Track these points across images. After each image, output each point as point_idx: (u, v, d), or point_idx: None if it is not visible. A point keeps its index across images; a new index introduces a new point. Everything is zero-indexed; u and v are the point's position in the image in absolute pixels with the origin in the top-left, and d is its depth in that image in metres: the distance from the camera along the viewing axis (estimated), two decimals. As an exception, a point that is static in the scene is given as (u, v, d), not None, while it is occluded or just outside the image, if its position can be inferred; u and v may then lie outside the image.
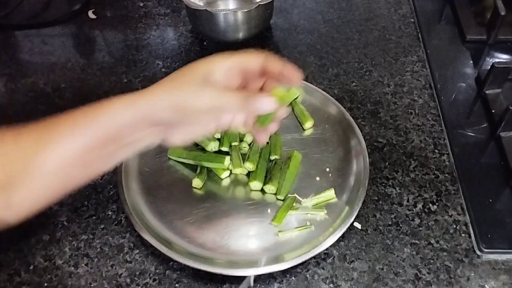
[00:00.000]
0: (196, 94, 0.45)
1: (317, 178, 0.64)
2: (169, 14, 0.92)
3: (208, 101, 0.45)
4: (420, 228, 0.59)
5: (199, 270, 0.54)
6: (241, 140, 0.67)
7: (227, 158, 0.64)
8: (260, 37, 0.86)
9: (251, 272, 0.53)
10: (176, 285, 0.55)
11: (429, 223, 0.60)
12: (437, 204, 0.62)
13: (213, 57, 0.47)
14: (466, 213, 0.61)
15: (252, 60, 0.48)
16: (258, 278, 0.55)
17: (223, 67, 0.46)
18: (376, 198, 0.62)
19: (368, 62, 0.81)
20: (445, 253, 0.57)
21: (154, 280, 0.55)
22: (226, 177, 0.64)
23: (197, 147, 0.67)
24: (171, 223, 0.59)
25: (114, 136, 0.45)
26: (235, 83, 0.48)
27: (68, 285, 0.55)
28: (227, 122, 0.48)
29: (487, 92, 0.73)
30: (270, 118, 0.49)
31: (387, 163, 0.66)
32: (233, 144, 0.65)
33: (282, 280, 0.55)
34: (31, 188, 0.44)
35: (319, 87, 0.73)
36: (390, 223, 0.60)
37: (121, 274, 0.56)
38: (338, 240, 0.56)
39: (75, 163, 0.44)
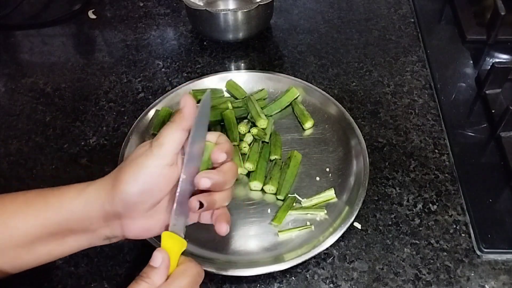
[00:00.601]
0: (134, 174, 0.42)
1: (317, 178, 0.64)
2: (169, 14, 0.92)
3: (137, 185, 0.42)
4: (420, 228, 0.59)
5: (199, 270, 0.54)
6: (241, 140, 0.67)
7: (227, 158, 0.64)
8: (260, 37, 0.86)
9: (251, 272, 0.53)
10: (176, 285, 0.55)
11: (429, 223, 0.60)
12: (437, 204, 0.62)
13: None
14: (466, 213, 0.61)
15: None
16: (258, 278, 0.55)
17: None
18: (376, 198, 0.62)
19: (368, 62, 0.81)
20: (445, 253, 0.57)
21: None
22: (226, 177, 0.64)
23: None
24: (171, 223, 0.59)
25: (65, 225, 0.44)
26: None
27: (68, 285, 0.55)
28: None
29: (487, 92, 0.73)
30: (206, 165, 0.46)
31: (387, 163, 0.66)
32: (233, 144, 0.65)
33: (282, 280, 0.55)
34: None
35: (319, 87, 0.73)
36: (390, 223, 0.60)
37: (121, 274, 0.56)
38: (338, 240, 0.56)
39: (23, 245, 0.44)
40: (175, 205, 0.44)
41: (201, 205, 0.44)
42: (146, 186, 0.42)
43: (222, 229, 0.46)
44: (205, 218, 0.49)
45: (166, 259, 0.41)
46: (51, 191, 0.45)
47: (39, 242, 0.44)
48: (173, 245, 0.42)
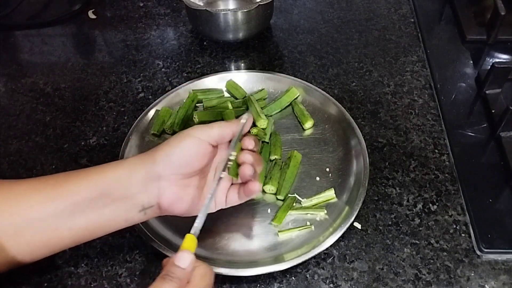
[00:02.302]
0: (180, 139, 0.48)
1: (317, 178, 0.64)
2: (169, 14, 0.92)
3: (194, 140, 0.48)
4: (420, 228, 0.59)
5: (199, 270, 0.54)
6: (241, 140, 0.67)
7: (227, 158, 0.64)
8: (260, 37, 0.86)
9: (251, 272, 0.53)
10: (176, 285, 0.55)
11: (429, 223, 0.60)
12: (437, 204, 0.62)
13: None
14: (466, 213, 0.61)
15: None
16: (258, 278, 0.55)
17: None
18: (376, 198, 0.62)
19: (368, 62, 0.81)
20: (445, 253, 0.57)
21: (154, 280, 0.55)
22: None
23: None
24: (171, 223, 0.59)
25: (106, 190, 0.46)
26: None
27: (68, 285, 0.55)
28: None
29: (487, 92, 0.73)
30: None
31: (387, 163, 0.66)
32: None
33: (282, 280, 0.55)
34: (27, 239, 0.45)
35: (319, 87, 0.73)
36: (390, 223, 0.60)
37: (121, 274, 0.56)
38: (338, 240, 0.56)
39: (64, 214, 0.45)
40: (202, 208, 0.47)
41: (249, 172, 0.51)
42: (185, 151, 0.48)
43: (255, 186, 0.51)
44: (233, 199, 0.54)
45: (193, 261, 0.43)
46: (91, 167, 0.48)
47: (78, 213, 0.45)
48: (192, 247, 0.44)
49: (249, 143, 0.52)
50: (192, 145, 0.48)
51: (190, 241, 0.44)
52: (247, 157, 0.52)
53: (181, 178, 0.48)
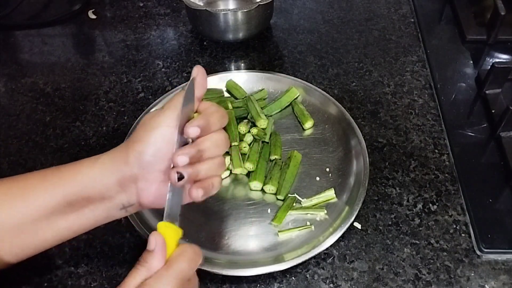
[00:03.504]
0: (149, 132, 0.44)
1: (317, 178, 0.64)
2: (169, 14, 0.92)
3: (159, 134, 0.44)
4: (420, 228, 0.59)
5: (199, 270, 0.53)
6: (241, 140, 0.67)
7: (227, 158, 0.64)
8: (260, 37, 0.86)
9: (251, 272, 0.53)
10: (176, 285, 0.55)
11: (429, 223, 0.60)
12: (437, 204, 0.62)
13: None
14: (466, 213, 0.61)
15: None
16: (258, 278, 0.55)
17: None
18: (376, 198, 0.62)
19: (368, 62, 0.81)
20: (445, 253, 0.57)
21: (154, 280, 0.55)
22: (226, 177, 0.64)
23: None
24: (171, 223, 0.59)
25: (82, 193, 0.45)
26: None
27: (68, 285, 0.55)
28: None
29: (487, 92, 0.73)
30: None
31: (387, 163, 0.66)
32: (233, 144, 0.65)
33: (282, 280, 0.55)
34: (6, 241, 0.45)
35: (319, 87, 0.73)
36: (390, 223, 0.60)
37: (121, 274, 0.56)
38: (338, 240, 0.56)
39: (39, 221, 0.45)
40: (168, 194, 0.43)
41: (181, 177, 0.42)
42: (158, 145, 0.44)
43: (193, 193, 0.44)
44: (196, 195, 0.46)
45: (161, 242, 0.41)
46: (65, 165, 0.47)
47: (58, 215, 0.45)
48: (169, 234, 0.42)
49: (189, 130, 0.44)
50: (163, 136, 0.44)
51: (161, 228, 0.42)
52: (191, 130, 0.44)
53: (158, 174, 0.45)
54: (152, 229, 0.57)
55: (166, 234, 0.42)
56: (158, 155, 0.44)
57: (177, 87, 0.74)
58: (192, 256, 0.42)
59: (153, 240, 0.40)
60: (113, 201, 0.46)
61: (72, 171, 0.46)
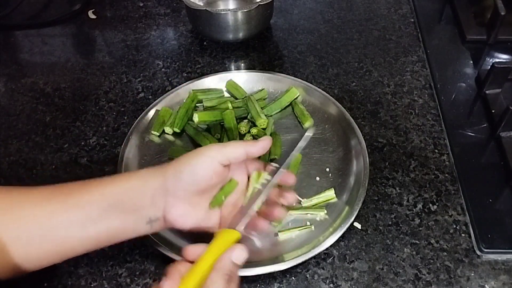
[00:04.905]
0: (192, 157, 0.48)
1: (317, 178, 0.64)
2: (169, 14, 0.92)
3: (209, 162, 0.48)
4: (420, 228, 0.59)
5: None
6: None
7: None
8: (260, 37, 0.86)
9: (251, 272, 0.53)
10: (176, 285, 0.55)
11: (429, 223, 0.60)
12: (437, 204, 0.62)
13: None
14: (466, 213, 0.61)
15: (236, 154, 0.50)
16: (258, 278, 0.55)
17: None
18: (376, 198, 0.62)
19: (368, 62, 0.81)
20: (445, 253, 0.57)
21: (154, 280, 0.55)
22: (226, 177, 0.64)
23: (198, 147, 0.66)
24: (171, 223, 0.59)
25: (117, 201, 0.46)
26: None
27: (68, 285, 0.55)
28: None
29: (487, 92, 0.73)
30: (226, 193, 0.52)
31: (387, 163, 0.66)
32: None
33: (282, 280, 0.55)
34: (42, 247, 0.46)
35: (319, 87, 0.73)
36: (390, 223, 0.60)
37: (121, 274, 0.56)
38: (338, 240, 0.56)
39: (76, 223, 0.46)
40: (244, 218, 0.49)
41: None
42: (197, 169, 0.47)
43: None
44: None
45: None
46: (103, 178, 0.48)
47: (90, 222, 0.46)
48: (224, 243, 0.46)
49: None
50: (203, 164, 0.48)
51: (220, 233, 0.46)
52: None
53: (188, 196, 0.48)
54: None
55: (222, 241, 0.46)
56: (193, 178, 0.47)
57: (177, 87, 0.74)
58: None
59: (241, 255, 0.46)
60: (142, 212, 0.48)
61: (109, 182, 0.48)
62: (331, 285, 0.55)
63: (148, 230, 0.49)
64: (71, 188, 0.47)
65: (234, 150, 0.49)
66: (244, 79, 0.75)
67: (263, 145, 0.51)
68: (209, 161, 0.48)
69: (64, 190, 0.47)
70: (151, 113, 0.70)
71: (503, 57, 0.81)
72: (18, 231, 0.45)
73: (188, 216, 0.49)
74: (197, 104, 0.72)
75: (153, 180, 0.48)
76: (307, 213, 0.60)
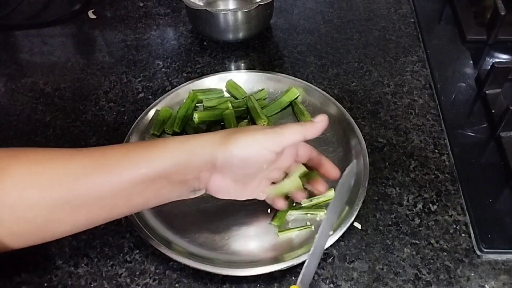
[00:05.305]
0: (248, 144, 0.47)
1: (317, 178, 0.63)
2: (169, 14, 0.92)
3: (270, 143, 0.48)
4: (420, 228, 0.59)
5: (199, 270, 0.54)
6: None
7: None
8: (260, 37, 0.86)
9: (251, 272, 0.53)
10: (176, 285, 0.55)
11: (429, 223, 0.60)
12: (437, 204, 0.62)
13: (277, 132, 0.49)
14: (466, 213, 0.61)
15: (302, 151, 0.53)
16: (258, 278, 0.55)
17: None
18: (376, 198, 0.62)
19: (368, 62, 0.81)
20: (445, 253, 0.57)
21: (154, 280, 0.56)
22: (226, 177, 0.64)
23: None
24: (171, 223, 0.59)
25: (164, 173, 0.45)
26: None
27: (68, 285, 0.55)
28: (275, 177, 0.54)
29: (487, 92, 0.73)
30: (285, 190, 0.55)
31: (387, 163, 0.66)
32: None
33: (282, 280, 0.55)
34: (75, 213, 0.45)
35: (319, 87, 0.73)
36: (390, 223, 0.60)
37: (121, 274, 0.56)
38: (338, 240, 0.56)
39: (119, 195, 0.45)
40: (306, 260, 0.47)
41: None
42: (249, 157, 0.47)
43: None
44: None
45: None
46: (150, 143, 0.47)
47: (137, 192, 0.45)
48: None
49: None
50: (257, 153, 0.47)
51: None
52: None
53: (235, 176, 0.49)
54: (152, 229, 0.57)
55: None
56: (246, 164, 0.48)
57: (177, 87, 0.74)
58: None
59: None
60: (188, 184, 0.48)
61: (157, 151, 0.46)
62: (331, 285, 0.55)
63: (191, 196, 0.50)
64: (115, 158, 0.45)
65: (291, 138, 0.49)
66: (244, 79, 0.75)
67: (321, 126, 0.50)
68: (264, 151, 0.48)
69: (108, 160, 0.45)
70: (151, 113, 0.70)
71: (503, 57, 0.81)
72: (60, 199, 0.43)
73: (230, 191, 0.50)
74: (197, 104, 0.72)
75: (202, 155, 0.47)
76: (307, 213, 0.60)
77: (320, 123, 0.50)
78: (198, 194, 0.50)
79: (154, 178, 0.45)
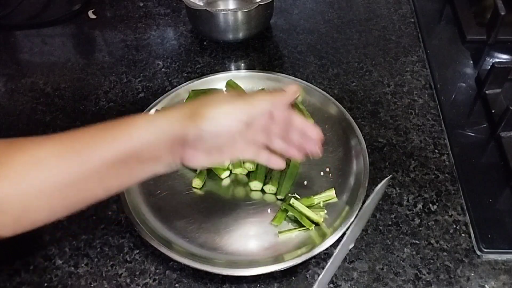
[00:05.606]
0: (218, 116, 0.47)
1: (317, 178, 0.63)
2: (169, 14, 0.92)
3: (239, 114, 0.47)
4: (420, 228, 0.59)
5: (199, 270, 0.54)
6: None
7: (227, 158, 0.64)
8: (260, 37, 0.86)
9: (251, 272, 0.53)
10: (176, 285, 0.55)
11: (429, 223, 0.60)
12: (437, 204, 0.62)
13: (248, 99, 0.49)
14: (466, 213, 0.61)
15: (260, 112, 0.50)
16: (258, 278, 0.55)
17: (260, 115, 0.49)
18: (376, 198, 0.62)
19: (368, 62, 0.81)
20: (445, 253, 0.57)
21: (154, 280, 0.56)
22: (226, 177, 0.64)
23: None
24: (171, 223, 0.59)
25: (134, 153, 0.45)
26: None
27: (68, 285, 0.55)
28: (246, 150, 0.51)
29: (487, 92, 0.73)
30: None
31: (387, 163, 0.66)
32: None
33: (282, 280, 0.55)
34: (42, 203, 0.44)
35: (319, 87, 0.73)
36: (390, 223, 0.60)
37: (121, 274, 0.56)
38: (338, 240, 0.56)
39: (91, 178, 0.45)
40: (323, 272, 0.47)
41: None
42: (219, 130, 0.47)
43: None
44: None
45: None
46: (120, 122, 0.46)
47: (110, 173, 0.45)
48: None
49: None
50: (227, 125, 0.47)
51: None
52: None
53: (208, 148, 0.48)
54: (152, 229, 0.57)
55: None
56: (216, 135, 0.47)
57: (177, 87, 0.74)
58: None
59: None
60: (161, 161, 0.47)
61: (125, 132, 0.46)
62: (331, 285, 0.55)
63: (167, 171, 0.49)
64: (83, 141, 0.45)
65: (260, 108, 0.48)
66: (244, 79, 0.75)
67: (290, 95, 0.50)
68: (233, 123, 0.47)
69: (76, 143, 0.45)
70: (151, 113, 0.70)
71: (503, 57, 0.81)
72: (31, 190, 0.43)
73: (204, 161, 0.49)
74: None
75: (171, 133, 0.46)
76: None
77: (289, 92, 0.50)
78: (175, 169, 0.49)
79: (124, 159, 0.45)
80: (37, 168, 0.43)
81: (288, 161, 0.64)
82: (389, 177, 0.50)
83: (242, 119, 0.47)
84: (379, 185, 0.48)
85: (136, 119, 0.46)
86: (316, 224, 0.58)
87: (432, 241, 0.58)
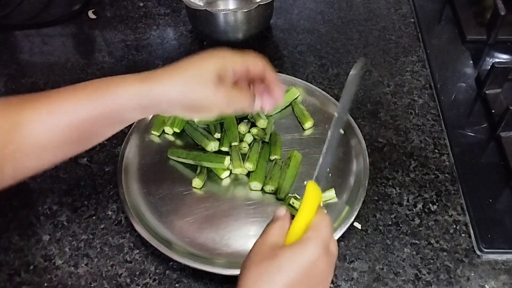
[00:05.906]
0: (209, 97, 0.48)
1: (317, 178, 0.63)
2: (169, 14, 0.92)
3: (220, 103, 0.48)
4: (420, 228, 0.59)
5: (199, 270, 0.54)
6: (241, 140, 0.67)
7: (227, 158, 0.64)
8: (260, 37, 0.86)
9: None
10: (176, 285, 0.55)
11: (429, 223, 0.60)
12: (437, 204, 0.62)
13: (222, 53, 0.49)
14: (466, 213, 0.61)
15: (254, 65, 0.51)
16: (258, 278, 0.55)
17: (234, 67, 0.49)
18: (376, 198, 0.62)
19: (368, 62, 0.81)
20: (445, 253, 0.57)
21: (154, 280, 0.56)
22: (226, 177, 0.64)
23: (197, 147, 0.67)
24: (171, 223, 0.59)
25: (114, 115, 0.47)
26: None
27: (68, 285, 0.55)
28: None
29: (487, 92, 0.73)
30: None
31: (387, 163, 0.66)
32: (233, 144, 0.65)
33: (282, 280, 0.55)
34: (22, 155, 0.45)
35: (319, 87, 0.73)
36: (390, 223, 0.60)
37: (121, 274, 0.56)
38: (338, 240, 0.56)
39: (69, 135, 0.46)
40: (320, 158, 0.47)
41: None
42: (191, 96, 0.48)
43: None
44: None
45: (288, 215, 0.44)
46: (96, 85, 0.48)
47: (92, 129, 0.48)
48: (314, 195, 0.45)
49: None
50: (200, 90, 0.47)
51: (309, 188, 0.45)
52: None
53: (177, 109, 0.49)
54: (152, 229, 0.57)
55: (312, 194, 0.45)
56: (188, 101, 0.48)
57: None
58: (330, 223, 0.43)
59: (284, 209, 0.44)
60: (133, 120, 0.51)
61: (104, 95, 0.47)
62: (331, 285, 0.55)
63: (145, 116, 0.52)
64: (58, 99, 0.47)
65: (232, 62, 0.49)
66: (244, 79, 0.75)
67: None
68: (210, 89, 0.47)
69: (49, 100, 0.47)
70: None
71: (503, 57, 0.81)
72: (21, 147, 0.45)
73: (185, 115, 0.54)
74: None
75: (144, 99, 0.47)
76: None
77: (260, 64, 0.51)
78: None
79: (107, 116, 0.47)
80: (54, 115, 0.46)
81: (288, 162, 0.64)
82: (361, 58, 0.52)
83: (215, 81, 0.47)
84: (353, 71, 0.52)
85: (126, 82, 0.47)
86: None
87: (432, 241, 0.58)
